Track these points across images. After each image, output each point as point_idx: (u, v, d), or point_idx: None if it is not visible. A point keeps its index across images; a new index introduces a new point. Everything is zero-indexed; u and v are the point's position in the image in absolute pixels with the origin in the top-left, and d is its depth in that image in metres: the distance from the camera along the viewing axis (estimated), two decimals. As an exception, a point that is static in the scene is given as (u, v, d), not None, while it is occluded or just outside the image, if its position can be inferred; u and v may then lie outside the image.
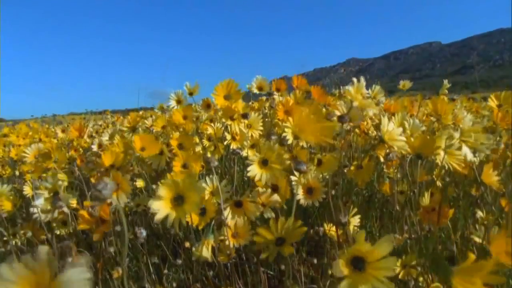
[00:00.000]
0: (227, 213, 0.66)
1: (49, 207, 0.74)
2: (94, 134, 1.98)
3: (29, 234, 0.90)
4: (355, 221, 0.79)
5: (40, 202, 0.74)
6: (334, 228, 0.76)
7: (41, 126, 3.75)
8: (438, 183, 0.97)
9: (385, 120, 0.69)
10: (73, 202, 0.81)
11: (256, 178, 0.67)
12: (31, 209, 0.76)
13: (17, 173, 1.94)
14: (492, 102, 1.01)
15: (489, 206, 0.85)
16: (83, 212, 0.53)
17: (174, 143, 0.88)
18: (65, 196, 0.70)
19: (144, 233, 0.62)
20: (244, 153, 0.88)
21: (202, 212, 0.64)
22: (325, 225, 0.80)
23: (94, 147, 1.51)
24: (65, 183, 0.91)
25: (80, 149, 2.06)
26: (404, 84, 1.52)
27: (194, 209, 0.53)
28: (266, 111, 1.52)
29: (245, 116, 0.88)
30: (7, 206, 0.89)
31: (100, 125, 2.41)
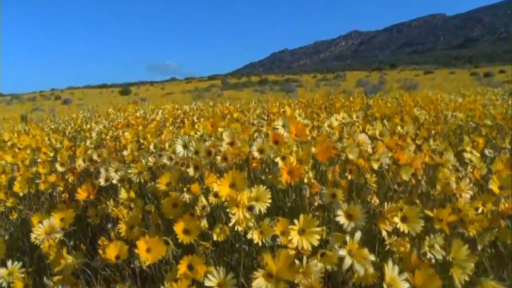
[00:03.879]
0: None
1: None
2: (96, 158, 1.98)
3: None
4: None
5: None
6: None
7: (39, 127, 3.73)
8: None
9: (389, 265, 0.71)
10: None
11: (261, 293, 0.69)
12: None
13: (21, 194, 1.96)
14: (494, 185, 1.01)
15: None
16: None
17: (178, 230, 0.89)
18: None
19: None
20: (249, 236, 0.90)
21: None
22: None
23: (102, 181, 1.52)
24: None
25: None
26: (408, 130, 1.51)
27: None
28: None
29: (251, 209, 0.89)
30: (19, 286, 0.91)
31: (101, 144, 2.40)
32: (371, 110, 3.47)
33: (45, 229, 0.97)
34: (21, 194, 1.89)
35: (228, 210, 0.91)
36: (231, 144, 1.27)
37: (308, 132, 2.04)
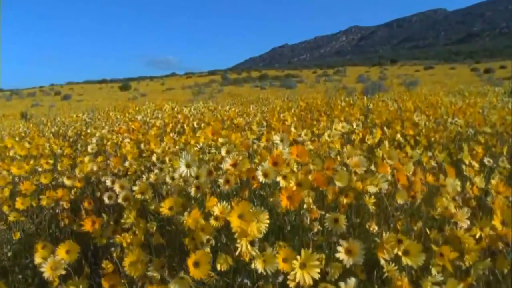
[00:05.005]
0: None
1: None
2: (96, 169, 1.99)
3: None
4: None
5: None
6: None
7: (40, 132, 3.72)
8: None
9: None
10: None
11: None
12: None
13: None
14: (497, 220, 1.02)
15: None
16: None
17: (190, 263, 0.90)
18: None
19: None
20: (253, 266, 0.91)
21: None
22: None
23: (106, 199, 1.54)
24: None
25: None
26: (413, 154, 1.52)
27: None
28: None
29: (252, 243, 0.90)
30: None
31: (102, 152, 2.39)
32: (371, 116, 3.47)
33: (51, 265, 0.98)
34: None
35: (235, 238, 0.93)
36: (234, 165, 1.28)
37: (308, 144, 2.05)
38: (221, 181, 1.26)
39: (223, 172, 1.42)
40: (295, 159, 1.30)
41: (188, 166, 1.38)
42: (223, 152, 1.62)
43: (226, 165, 1.28)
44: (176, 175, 1.37)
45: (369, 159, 2.35)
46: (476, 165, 2.05)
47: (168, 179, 1.40)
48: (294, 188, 1.16)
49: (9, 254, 1.55)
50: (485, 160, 2.29)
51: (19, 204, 1.62)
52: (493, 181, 1.85)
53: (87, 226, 1.22)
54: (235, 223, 0.94)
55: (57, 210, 1.67)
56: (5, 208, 1.75)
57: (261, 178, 1.16)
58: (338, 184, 1.18)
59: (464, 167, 1.90)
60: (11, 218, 1.69)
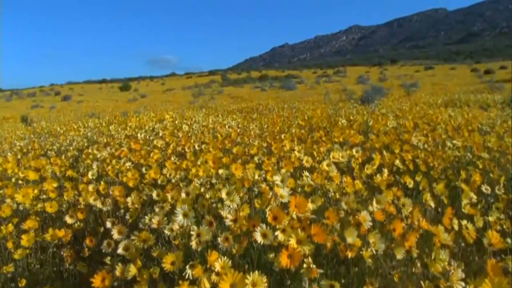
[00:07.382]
0: None
1: None
2: (100, 205, 2.02)
3: None
4: None
5: None
6: None
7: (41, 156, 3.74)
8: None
9: None
10: None
11: None
12: None
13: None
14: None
15: None
16: None
17: None
18: None
19: None
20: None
21: None
22: None
23: (105, 248, 1.58)
24: None
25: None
26: (405, 202, 1.54)
27: None
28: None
29: None
30: None
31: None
32: (371, 134, 3.50)
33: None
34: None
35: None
36: (234, 221, 1.31)
37: (308, 176, 2.08)
38: (220, 239, 1.29)
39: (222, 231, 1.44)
40: (294, 211, 1.33)
41: (185, 216, 1.42)
42: (223, 194, 1.65)
43: (227, 221, 1.31)
44: (175, 226, 1.39)
45: (368, 184, 2.39)
46: (474, 197, 2.08)
47: (167, 231, 1.43)
48: (295, 245, 1.19)
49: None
50: (483, 188, 2.32)
51: (24, 241, 1.65)
52: (491, 218, 1.88)
53: (97, 282, 1.24)
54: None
55: (61, 252, 1.69)
56: (10, 245, 1.78)
57: (259, 239, 1.19)
58: (349, 240, 1.21)
59: (462, 203, 1.92)
60: (16, 256, 1.71)
